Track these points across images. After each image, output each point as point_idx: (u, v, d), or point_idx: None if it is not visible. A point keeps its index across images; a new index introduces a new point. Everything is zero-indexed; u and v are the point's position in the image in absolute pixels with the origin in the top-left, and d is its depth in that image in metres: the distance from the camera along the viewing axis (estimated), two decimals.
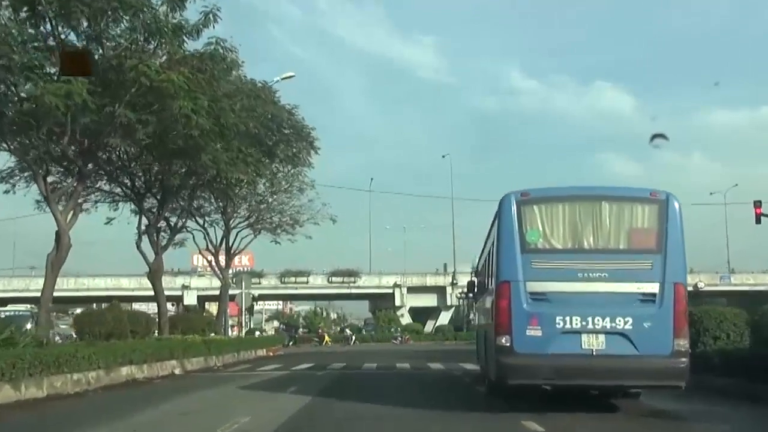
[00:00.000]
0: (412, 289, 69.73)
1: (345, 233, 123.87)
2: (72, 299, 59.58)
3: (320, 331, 62.56)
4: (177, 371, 20.49)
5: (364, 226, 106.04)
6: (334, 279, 70.34)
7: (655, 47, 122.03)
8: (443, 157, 69.99)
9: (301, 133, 25.80)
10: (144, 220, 26.90)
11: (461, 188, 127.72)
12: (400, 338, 58.70)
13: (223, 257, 35.28)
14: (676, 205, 10.26)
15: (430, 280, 70.93)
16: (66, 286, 63.52)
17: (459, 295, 66.27)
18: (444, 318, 69.56)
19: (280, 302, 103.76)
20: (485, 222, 13.21)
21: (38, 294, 20.14)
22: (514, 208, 10.41)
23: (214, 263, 34.44)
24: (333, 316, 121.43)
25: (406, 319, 68.69)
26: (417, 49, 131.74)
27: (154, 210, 27.00)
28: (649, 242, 10.20)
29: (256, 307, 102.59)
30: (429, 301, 70.18)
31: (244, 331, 57.39)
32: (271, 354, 34.79)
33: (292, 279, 70.70)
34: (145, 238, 26.31)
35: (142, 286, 68.22)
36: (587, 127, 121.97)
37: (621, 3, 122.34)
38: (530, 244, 10.29)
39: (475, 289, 17.11)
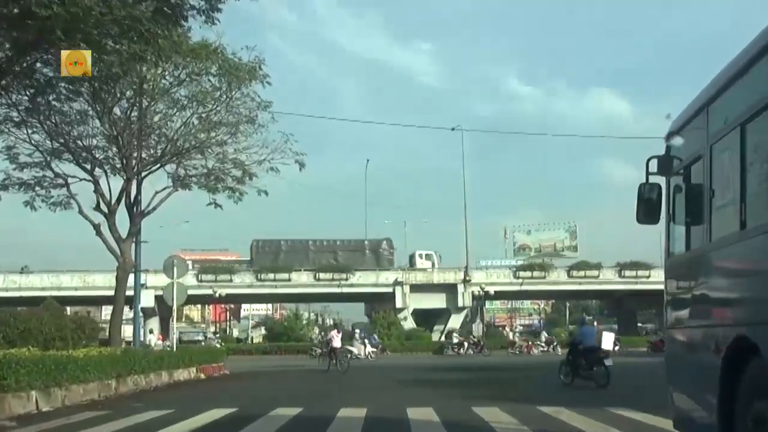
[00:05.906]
0: (416, 288, 57.51)
1: (340, 229, 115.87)
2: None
3: None
4: None
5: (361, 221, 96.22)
6: (322, 276, 57.80)
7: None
8: (453, 129, 57.33)
9: None
10: None
11: (460, 193, 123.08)
12: (373, 344, 44.71)
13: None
14: None
15: (438, 277, 58.89)
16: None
17: (477, 293, 53.84)
18: (455, 322, 57.61)
19: (269, 305, 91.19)
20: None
21: None
22: None
23: (106, 232, 21.53)
24: (329, 321, 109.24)
25: (409, 324, 56.89)
26: (415, 55, 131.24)
27: None
28: None
29: (243, 312, 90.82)
30: (437, 302, 58.24)
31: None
32: (203, 376, 21.97)
33: (271, 276, 57.76)
34: None
35: (86, 284, 55.50)
36: (586, 131, 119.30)
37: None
38: None
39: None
